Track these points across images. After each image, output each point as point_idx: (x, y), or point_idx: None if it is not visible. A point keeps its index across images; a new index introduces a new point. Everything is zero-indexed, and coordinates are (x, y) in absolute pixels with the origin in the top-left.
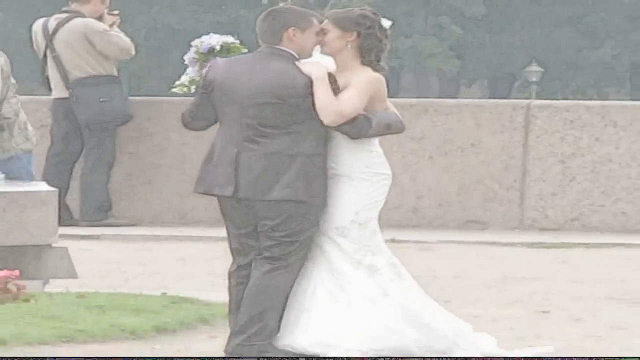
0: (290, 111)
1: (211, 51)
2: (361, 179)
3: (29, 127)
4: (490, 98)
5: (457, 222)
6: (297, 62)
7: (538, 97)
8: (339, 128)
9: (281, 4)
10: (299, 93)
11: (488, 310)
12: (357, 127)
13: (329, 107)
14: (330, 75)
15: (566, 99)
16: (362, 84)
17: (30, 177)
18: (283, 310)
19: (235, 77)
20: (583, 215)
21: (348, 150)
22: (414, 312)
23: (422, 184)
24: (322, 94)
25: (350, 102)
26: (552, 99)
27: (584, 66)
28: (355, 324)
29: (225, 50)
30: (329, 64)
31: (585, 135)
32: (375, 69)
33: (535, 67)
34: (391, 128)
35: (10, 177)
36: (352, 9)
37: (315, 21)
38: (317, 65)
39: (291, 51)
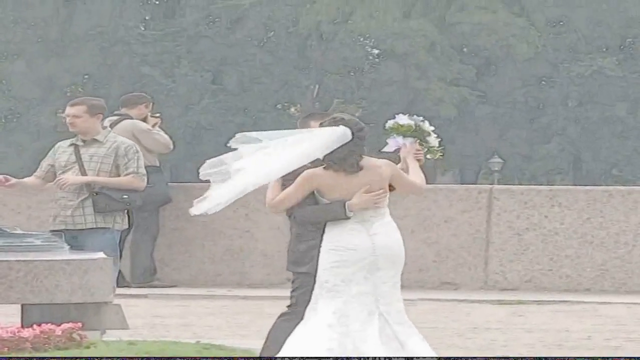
0: None
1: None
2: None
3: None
4: (460, 184)
5: (434, 284)
6: None
7: (499, 183)
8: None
9: (292, 109)
10: None
11: (459, 355)
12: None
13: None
14: None
15: (521, 184)
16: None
17: (116, 252)
18: None
19: None
20: (535, 277)
21: None
22: None
23: (406, 253)
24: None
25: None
26: (510, 184)
27: (536, 158)
28: None
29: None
30: None
31: (536, 213)
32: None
33: (497, 159)
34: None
35: (100, 247)
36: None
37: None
38: None
39: None
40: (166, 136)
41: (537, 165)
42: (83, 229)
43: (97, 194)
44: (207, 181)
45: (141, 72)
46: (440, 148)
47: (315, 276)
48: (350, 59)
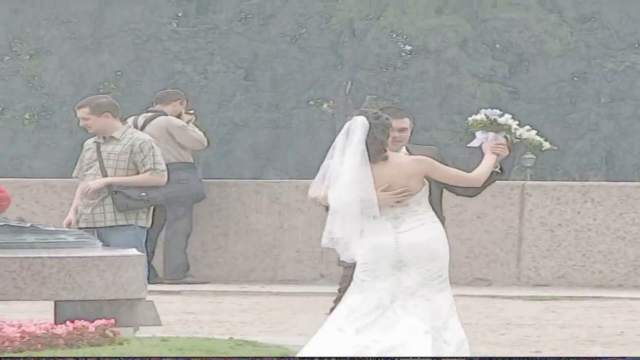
0: None
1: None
2: None
3: (151, 210)
4: None
5: (467, 280)
6: None
7: (532, 179)
8: None
9: (324, 105)
10: None
11: (492, 350)
12: None
13: None
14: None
15: (554, 180)
16: None
17: (141, 249)
18: None
19: None
20: (568, 273)
21: None
22: None
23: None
24: None
25: None
26: (543, 180)
27: (569, 154)
28: None
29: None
30: None
31: (569, 209)
32: None
33: (529, 155)
34: None
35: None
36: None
37: None
38: None
39: None
40: (200, 133)
41: (569, 161)
42: (102, 227)
43: (115, 192)
44: (239, 178)
45: (174, 69)
46: (543, 139)
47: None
48: (383, 55)
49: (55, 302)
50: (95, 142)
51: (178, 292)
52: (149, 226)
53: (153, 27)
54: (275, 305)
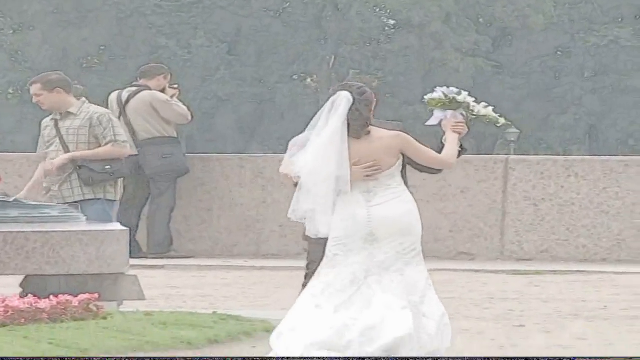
0: None
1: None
2: None
3: (120, 183)
4: (476, 154)
5: (450, 254)
6: None
7: (515, 153)
8: None
9: (308, 80)
10: None
11: (475, 324)
12: None
13: None
14: None
15: (537, 154)
16: None
17: (110, 222)
18: None
19: None
20: (551, 248)
21: None
22: None
23: (422, 223)
24: None
25: None
26: (527, 155)
27: (552, 128)
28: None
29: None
30: None
31: (552, 183)
32: None
33: (513, 130)
34: None
35: (90, 218)
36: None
37: None
38: None
39: None
40: (184, 107)
41: (553, 135)
42: (72, 202)
43: (80, 167)
44: (223, 152)
45: (157, 43)
46: (498, 115)
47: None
48: (366, 29)
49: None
50: (52, 119)
51: (162, 267)
52: (118, 199)
53: (137, 1)
54: (258, 280)
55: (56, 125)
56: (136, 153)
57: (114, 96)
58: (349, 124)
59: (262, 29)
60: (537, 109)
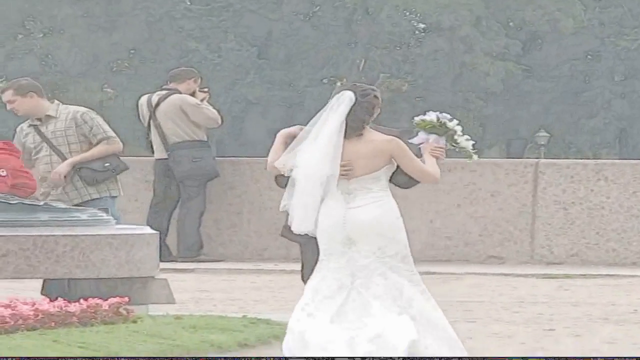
0: None
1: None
2: None
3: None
4: (506, 157)
5: (480, 258)
6: None
7: (545, 157)
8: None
9: (338, 84)
10: None
11: (505, 328)
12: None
13: None
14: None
15: (567, 158)
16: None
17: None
18: None
19: None
20: (581, 251)
21: None
22: None
23: (452, 227)
24: None
25: None
26: (556, 159)
27: (582, 132)
28: None
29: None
30: None
31: (582, 187)
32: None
33: (543, 133)
34: None
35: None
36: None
37: None
38: None
39: None
40: (214, 111)
41: (583, 139)
42: (80, 203)
43: (80, 169)
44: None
45: (187, 47)
46: (474, 151)
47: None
48: (396, 33)
49: (69, 280)
50: (30, 125)
51: (192, 270)
52: (122, 194)
53: (166, 5)
54: (288, 283)
55: (39, 131)
56: (166, 157)
57: (143, 100)
58: (346, 124)
59: (292, 32)
60: (567, 113)
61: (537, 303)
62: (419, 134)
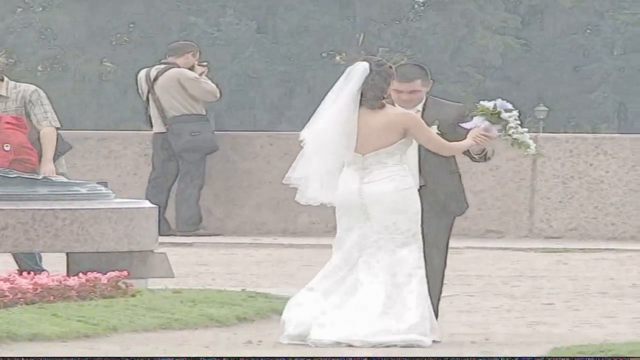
0: None
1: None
2: None
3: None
4: None
5: (479, 232)
6: None
7: (544, 131)
8: None
9: (337, 57)
10: None
11: (504, 302)
12: None
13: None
14: None
15: (567, 132)
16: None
17: None
18: None
19: None
20: (580, 225)
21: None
22: None
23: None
24: None
25: None
26: (556, 133)
27: (581, 106)
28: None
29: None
30: None
31: (581, 161)
32: None
33: (542, 107)
34: None
35: None
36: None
37: None
38: None
39: None
40: (213, 84)
41: (582, 113)
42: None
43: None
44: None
45: (186, 21)
46: (534, 146)
47: None
48: (396, 7)
49: (68, 254)
50: None
51: (190, 244)
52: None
53: None
54: (287, 257)
55: None
56: (164, 130)
57: (142, 74)
58: (362, 95)
59: (291, 6)
60: (566, 87)
61: (536, 277)
62: (474, 119)
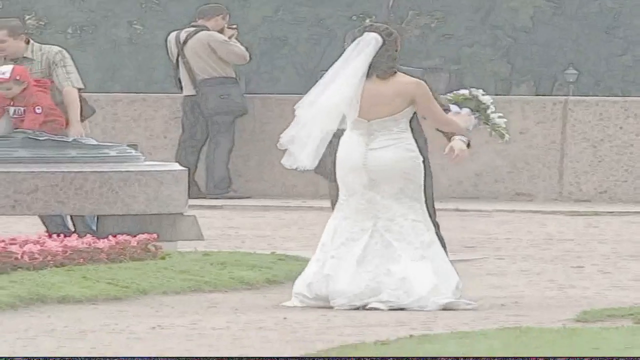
0: None
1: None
2: None
3: None
4: (535, 95)
5: (509, 195)
6: None
7: (574, 95)
8: None
9: (367, 21)
10: None
11: (534, 265)
12: None
13: None
14: None
15: (596, 95)
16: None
17: None
18: None
19: None
20: (610, 188)
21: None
22: None
23: (481, 164)
24: None
25: None
26: (585, 96)
27: (611, 69)
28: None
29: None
30: None
31: (611, 124)
32: None
33: (572, 70)
34: None
35: None
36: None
37: None
38: None
39: None
40: (242, 47)
41: (612, 76)
42: None
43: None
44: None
45: None
46: (505, 130)
47: None
48: None
49: (97, 216)
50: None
51: (220, 207)
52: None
53: None
54: (317, 220)
55: None
56: (194, 93)
57: (172, 36)
58: (372, 65)
59: None
60: (596, 50)
61: (566, 240)
62: (452, 107)
